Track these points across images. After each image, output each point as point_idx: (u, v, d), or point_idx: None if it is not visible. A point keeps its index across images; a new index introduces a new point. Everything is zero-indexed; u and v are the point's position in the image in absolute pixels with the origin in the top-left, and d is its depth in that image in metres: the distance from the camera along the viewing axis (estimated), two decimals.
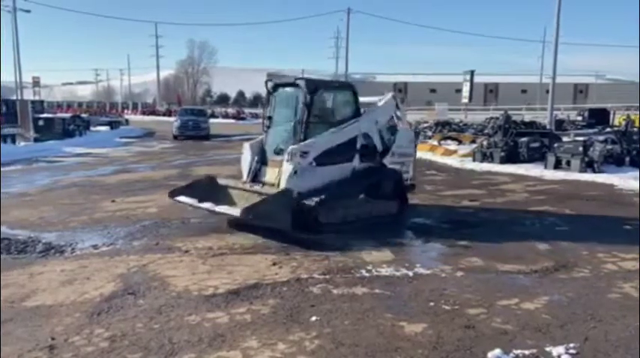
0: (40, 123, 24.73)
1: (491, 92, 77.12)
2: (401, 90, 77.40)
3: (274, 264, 5.73)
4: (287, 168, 7.19)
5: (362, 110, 8.17)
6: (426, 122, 29.83)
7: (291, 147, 7.31)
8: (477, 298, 4.78)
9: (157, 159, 17.79)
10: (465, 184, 12.29)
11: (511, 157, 15.58)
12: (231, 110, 60.47)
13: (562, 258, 6.12)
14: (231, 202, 7.32)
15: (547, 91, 27.48)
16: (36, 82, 53.23)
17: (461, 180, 13.00)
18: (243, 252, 6.21)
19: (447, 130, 24.81)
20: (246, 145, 8.04)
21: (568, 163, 13.87)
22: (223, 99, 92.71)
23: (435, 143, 21.17)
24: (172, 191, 7.90)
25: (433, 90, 74.33)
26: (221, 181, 8.10)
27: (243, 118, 53.12)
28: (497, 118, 23.09)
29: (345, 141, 7.69)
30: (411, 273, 5.48)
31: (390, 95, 8.51)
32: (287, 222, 6.75)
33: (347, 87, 8.50)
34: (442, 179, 13.35)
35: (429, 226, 7.79)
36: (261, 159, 7.78)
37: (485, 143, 17.07)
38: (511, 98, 60.86)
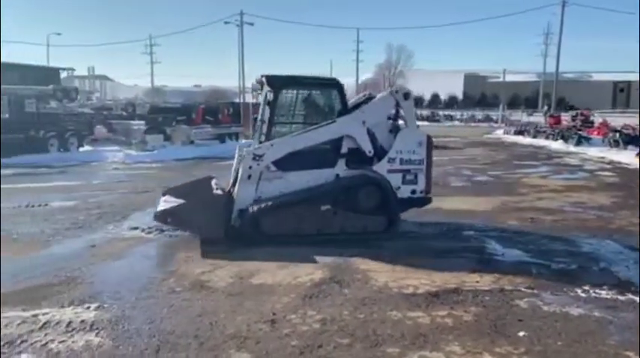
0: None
1: None
2: (622, 90, 67.69)
3: (474, 271, 5.56)
4: (240, 173, 6.73)
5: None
6: None
7: (245, 149, 6.83)
8: None
9: None
10: None
11: None
12: (425, 112, 60.30)
13: None
14: None
15: None
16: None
17: None
18: (438, 255, 6.15)
19: None
20: (237, 147, 7.73)
21: None
22: (417, 102, 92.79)
23: None
24: (165, 191, 7.65)
25: None
26: (212, 183, 7.72)
27: (437, 120, 53.78)
28: None
29: (317, 143, 6.83)
30: (638, 299, 4.79)
31: (386, 92, 7.35)
32: (217, 230, 6.31)
33: (329, 84, 7.35)
34: None
35: None
36: None
37: None
38: None
